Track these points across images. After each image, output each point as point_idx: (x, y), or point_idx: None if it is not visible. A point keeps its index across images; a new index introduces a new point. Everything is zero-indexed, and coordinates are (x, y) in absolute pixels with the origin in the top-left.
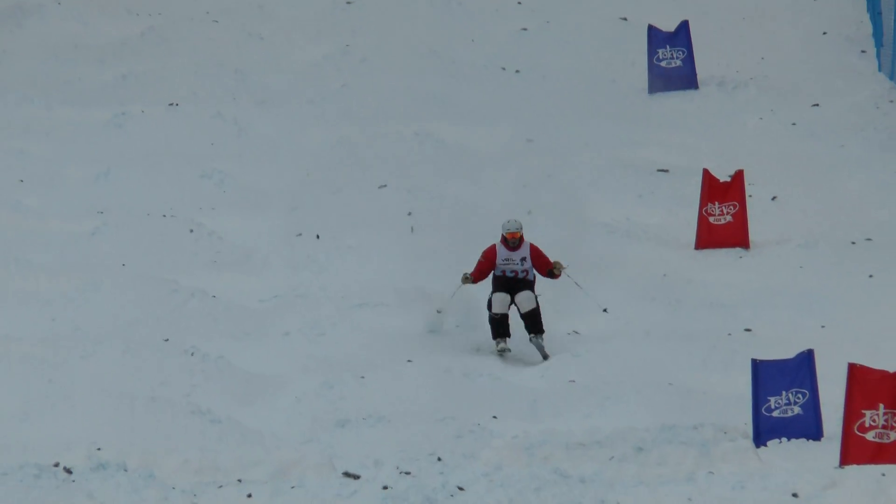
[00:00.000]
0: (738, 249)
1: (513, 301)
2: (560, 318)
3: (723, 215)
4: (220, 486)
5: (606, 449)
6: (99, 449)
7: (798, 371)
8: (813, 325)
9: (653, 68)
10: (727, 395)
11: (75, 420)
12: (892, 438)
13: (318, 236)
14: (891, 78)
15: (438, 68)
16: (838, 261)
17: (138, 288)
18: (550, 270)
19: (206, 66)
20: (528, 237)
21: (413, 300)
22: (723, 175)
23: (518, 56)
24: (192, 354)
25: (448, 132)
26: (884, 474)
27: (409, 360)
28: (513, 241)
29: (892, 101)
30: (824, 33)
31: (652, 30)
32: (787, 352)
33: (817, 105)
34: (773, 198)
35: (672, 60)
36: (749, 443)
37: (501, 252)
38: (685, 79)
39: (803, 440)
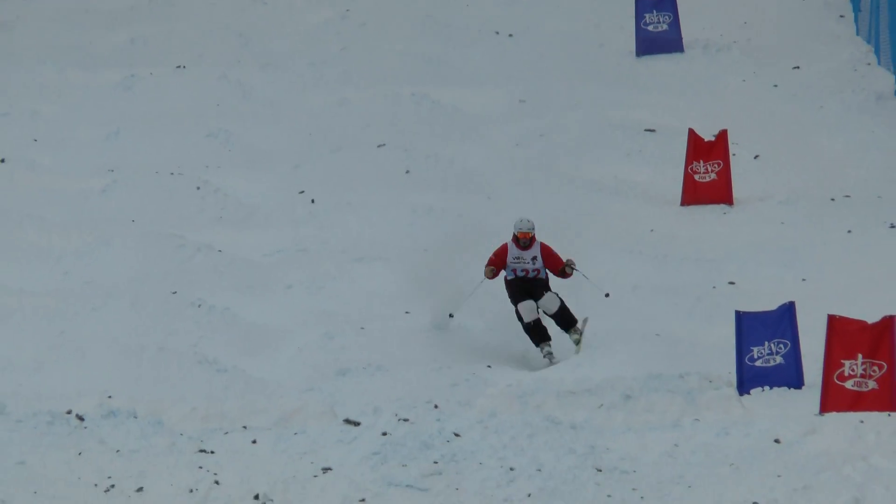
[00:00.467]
0: (722, 206)
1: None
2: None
3: (707, 173)
4: (226, 433)
5: (596, 397)
6: (110, 397)
7: (780, 322)
8: (794, 279)
9: (640, 32)
10: (712, 345)
11: (87, 370)
12: (869, 387)
13: (312, 201)
14: (868, 41)
15: (434, 33)
16: (818, 217)
17: (147, 243)
18: (562, 269)
19: (212, 30)
20: (522, 196)
21: (410, 254)
22: (707, 135)
23: (511, 20)
24: (199, 307)
25: (443, 94)
26: (862, 421)
27: (406, 312)
28: (524, 240)
29: (869, 64)
30: None
31: None
32: (769, 304)
33: (798, 67)
34: (756, 156)
35: (659, 24)
36: (733, 391)
37: (512, 251)
38: (671, 42)
39: (785, 389)
